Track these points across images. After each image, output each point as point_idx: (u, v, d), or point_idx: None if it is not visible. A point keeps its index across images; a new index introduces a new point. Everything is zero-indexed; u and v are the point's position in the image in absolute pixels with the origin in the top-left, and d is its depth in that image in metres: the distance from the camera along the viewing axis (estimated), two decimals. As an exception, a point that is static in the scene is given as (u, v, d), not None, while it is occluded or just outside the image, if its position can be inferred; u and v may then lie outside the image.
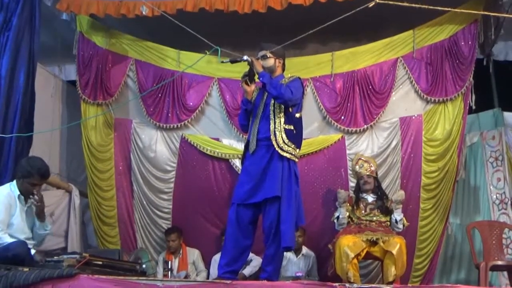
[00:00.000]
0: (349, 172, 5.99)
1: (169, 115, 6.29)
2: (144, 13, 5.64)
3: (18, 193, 4.35)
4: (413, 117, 6.00)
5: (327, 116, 6.08)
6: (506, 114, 6.33)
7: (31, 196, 4.37)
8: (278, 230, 4.13)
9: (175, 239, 6.01)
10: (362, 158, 5.69)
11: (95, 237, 6.28)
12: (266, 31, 5.94)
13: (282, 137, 4.25)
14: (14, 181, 4.41)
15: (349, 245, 4.99)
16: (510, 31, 5.98)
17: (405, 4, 4.37)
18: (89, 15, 6.06)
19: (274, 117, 4.31)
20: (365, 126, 6.01)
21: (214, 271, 5.68)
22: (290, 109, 4.35)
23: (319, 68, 6.19)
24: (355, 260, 5.02)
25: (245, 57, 4.42)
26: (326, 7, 5.25)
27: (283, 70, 4.58)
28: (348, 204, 5.42)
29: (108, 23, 6.39)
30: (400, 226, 5.31)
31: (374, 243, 5.11)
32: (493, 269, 5.39)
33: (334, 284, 3.57)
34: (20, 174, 4.36)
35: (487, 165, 6.27)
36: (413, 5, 4.36)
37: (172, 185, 6.29)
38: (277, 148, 4.22)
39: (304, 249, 5.84)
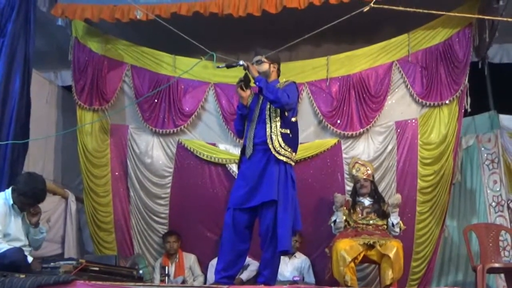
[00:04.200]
0: (346, 176, 5.99)
1: (165, 120, 6.28)
2: (138, 17, 5.62)
3: (12, 202, 4.34)
4: (409, 121, 6.00)
5: (323, 120, 6.08)
6: (502, 116, 6.34)
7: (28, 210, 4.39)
8: (274, 234, 4.13)
9: (175, 241, 6.01)
10: (359, 162, 5.69)
11: (91, 243, 6.25)
12: (261, 35, 5.94)
13: (278, 141, 4.25)
14: (10, 189, 4.39)
15: (346, 248, 4.98)
16: (505, 34, 6.00)
17: (400, 8, 4.38)
18: (84, 20, 6.06)
19: (270, 121, 4.31)
20: (361, 130, 6.00)
21: (211, 275, 5.66)
22: (286, 114, 4.35)
23: (315, 73, 6.19)
24: (352, 264, 5.01)
25: (241, 62, 4.43)
26: (321, 10, 5.25)
27: (278, 75, 4.58)
28: (345, 208, 5.41)
29: (104, 29, 6.38)
30: (397, 229, 5.29)
31: (371, 246, 5.10)
32: (490, 271, 5.39)
33: (332, 288, 3.59)
34: (16, 187, 4.34)
35: (483, 167, 6.29)
36: (408, 9, 4.37)
37: (168, 190, 6.28)
38: (273, 152, 4.22)
39: (297, 253, 5.83)
